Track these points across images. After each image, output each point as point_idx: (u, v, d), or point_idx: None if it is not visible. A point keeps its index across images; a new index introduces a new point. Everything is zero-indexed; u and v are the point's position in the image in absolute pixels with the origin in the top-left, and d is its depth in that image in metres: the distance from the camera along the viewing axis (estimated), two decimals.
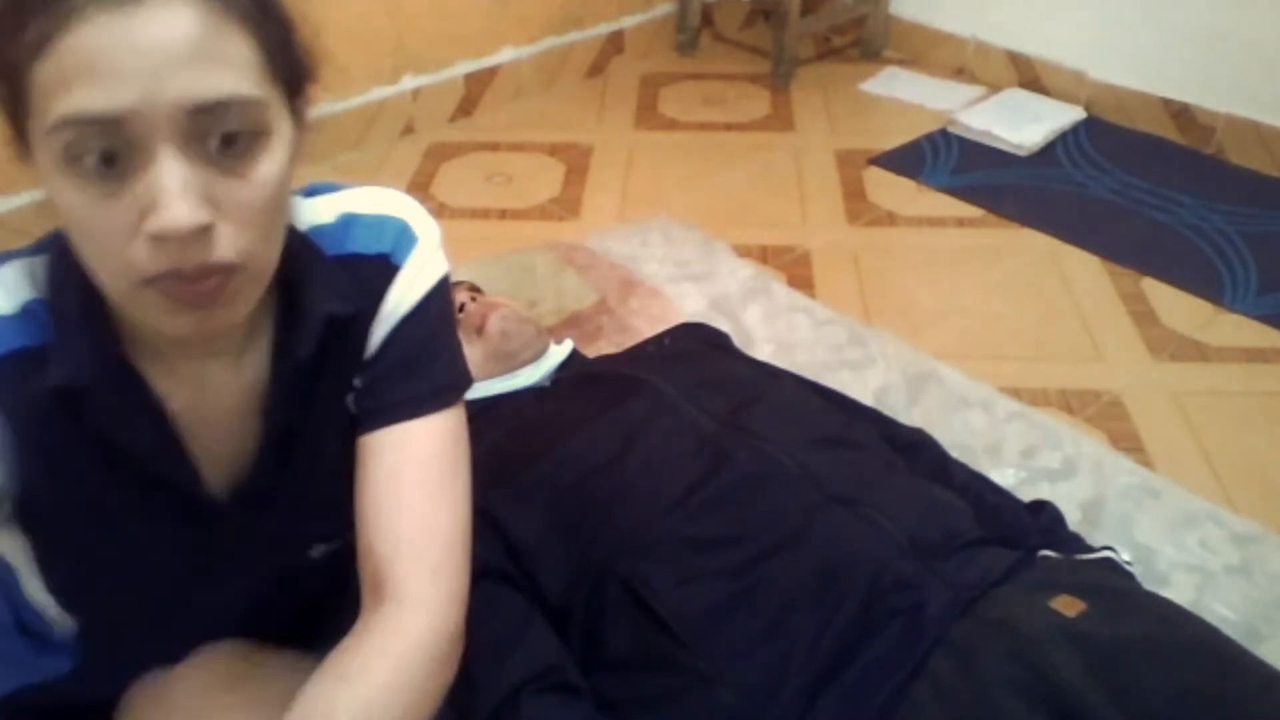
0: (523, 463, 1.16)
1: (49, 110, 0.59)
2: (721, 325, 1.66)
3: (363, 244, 0.80)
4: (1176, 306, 2.00)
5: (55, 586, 0.78)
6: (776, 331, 1.82)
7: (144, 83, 0.59)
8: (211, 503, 0.79)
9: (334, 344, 0.78)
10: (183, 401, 0.75)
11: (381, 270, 0.80)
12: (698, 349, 1.47)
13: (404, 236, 0.81)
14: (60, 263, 0.70)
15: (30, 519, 0.73)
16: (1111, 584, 1.06)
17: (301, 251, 0.75)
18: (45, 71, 0.59)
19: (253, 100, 0.63)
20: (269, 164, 0.65)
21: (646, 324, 1.77)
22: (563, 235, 2.15)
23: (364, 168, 2.50)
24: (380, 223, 0.81)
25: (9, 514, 0.72)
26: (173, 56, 0.59)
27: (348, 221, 0.81)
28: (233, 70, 0.62)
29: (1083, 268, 2.12)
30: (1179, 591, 1.29)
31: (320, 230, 0.80)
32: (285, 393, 0.78)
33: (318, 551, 0.87)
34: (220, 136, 0.62)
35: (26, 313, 0.70)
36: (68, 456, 0.72)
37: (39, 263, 0.71)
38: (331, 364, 0.80)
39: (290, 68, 0.67)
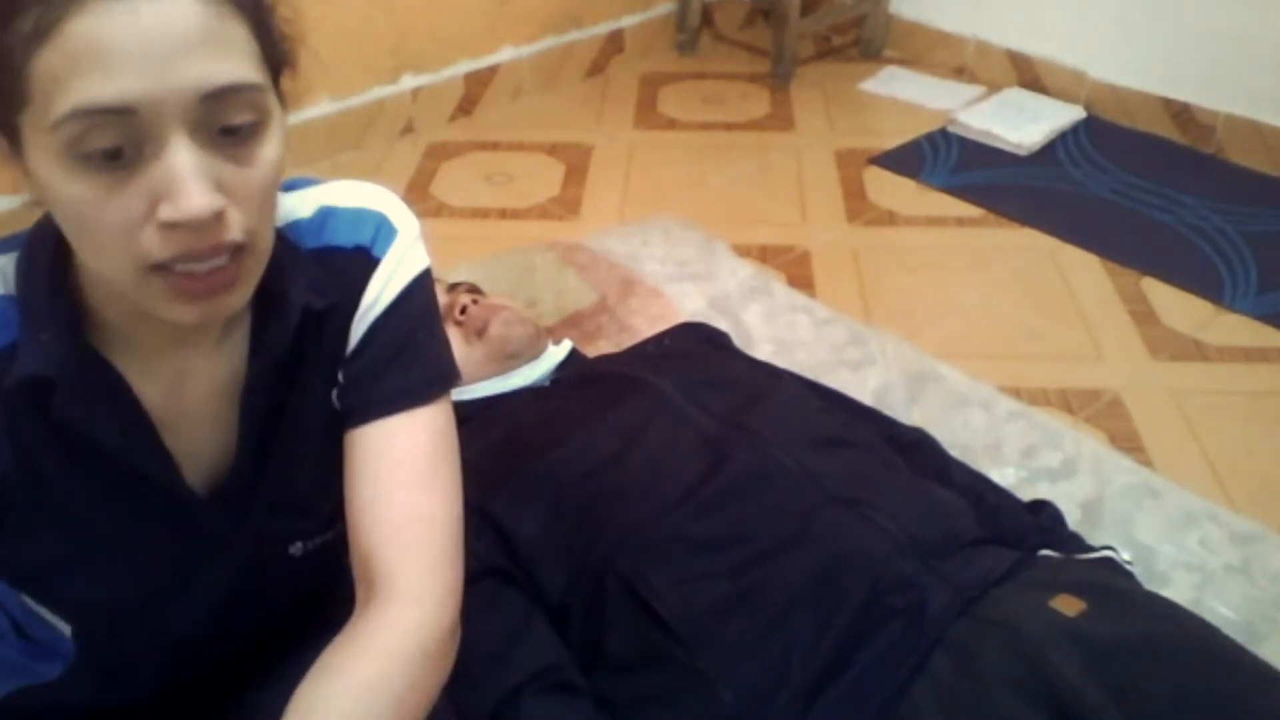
0: (523, 462, 1.16)
1: (54, 102, 0.58)
2: (721, 325, 1.66)
3: (340, 237, 0.80)
4: (1176, 306, 2.00)
5: (40, 591, 0.77)
6: (776, 331, 1.82)
7: (156, 71, 0.58)
8: (190, 498, 0.78)
9: (311, 338, 0.78)
10: (158, 395, 0.74)
11: (360, 263, 0.79)
12: (698, 348, 1.47)
13: (383, 229, 0.80)
14: (26, 259, 0.70)
15: (8, 523, 0.72)
16: (1111, 584, 1.06)
17: (278, 245, 0.74)
18: (47, 62, 0.58)
19: (256, 85, 0.63)
20: (269, 148, 0.65)
21: (646, 324, 1.77)
22: (563, 235, 2.15)
23: (363, 167, 2.49)
24: (358, 215, 0.81)
25: None
26: (183, 44, 0.59)
27: (325, 215, 0.80)
28: (237, 56, 0.62)
29: (1083, 268, 2.12)
30: (1179, 591, 1.29)
31: (297, 224, 0.79)
32: (262, 388, 0.77)
33: (297, 549, 0.86)
34: (224, 122, 0.62)
35: None
36: (43, 455, 0.71)
37: (8, 261, 0.71)
38: (310, 359, 0.79)
39: (275, 53, 0.68)
